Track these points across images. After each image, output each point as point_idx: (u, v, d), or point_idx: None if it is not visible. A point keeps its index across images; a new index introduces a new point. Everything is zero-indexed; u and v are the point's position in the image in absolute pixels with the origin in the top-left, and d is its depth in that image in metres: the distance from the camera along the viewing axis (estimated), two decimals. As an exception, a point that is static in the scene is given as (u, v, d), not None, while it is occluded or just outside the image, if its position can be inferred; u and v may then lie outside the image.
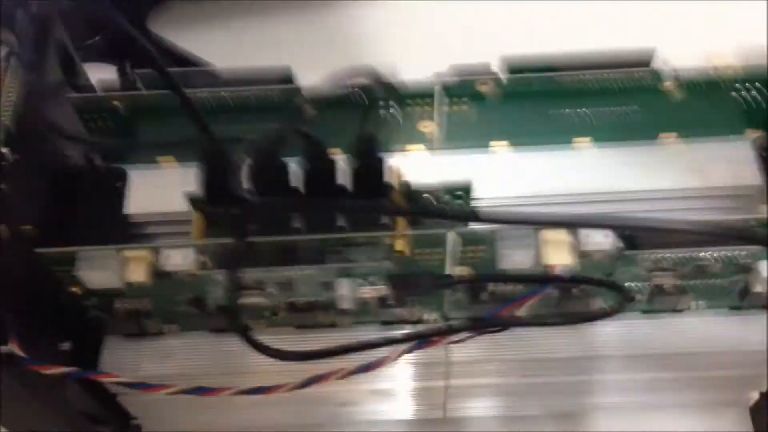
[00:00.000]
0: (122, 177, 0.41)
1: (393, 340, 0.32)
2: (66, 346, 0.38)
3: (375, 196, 0.34)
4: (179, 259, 0.33)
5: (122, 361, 0.39)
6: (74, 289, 0.36)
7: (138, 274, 0.33)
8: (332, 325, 0.39)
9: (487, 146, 0.41)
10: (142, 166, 0.41)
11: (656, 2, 0.59)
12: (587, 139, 0.41)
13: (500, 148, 0.41)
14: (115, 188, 0.40)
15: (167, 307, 0.38)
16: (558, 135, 0.41)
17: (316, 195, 0.32)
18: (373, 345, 0.32)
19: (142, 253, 0.33)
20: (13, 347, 0.33)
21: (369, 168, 0.32)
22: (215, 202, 0.34)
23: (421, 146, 0.41)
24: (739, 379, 0.43)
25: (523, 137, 0.41)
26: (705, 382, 0.42)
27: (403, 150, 0.40)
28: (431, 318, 0.39)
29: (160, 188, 0.41)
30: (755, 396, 0.45)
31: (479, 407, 0.44)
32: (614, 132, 0.40)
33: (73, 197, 0.39)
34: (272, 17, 0.63)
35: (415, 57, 0.55)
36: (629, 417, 0.46)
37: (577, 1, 0.59)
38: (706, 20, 0.57)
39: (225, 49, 0.61)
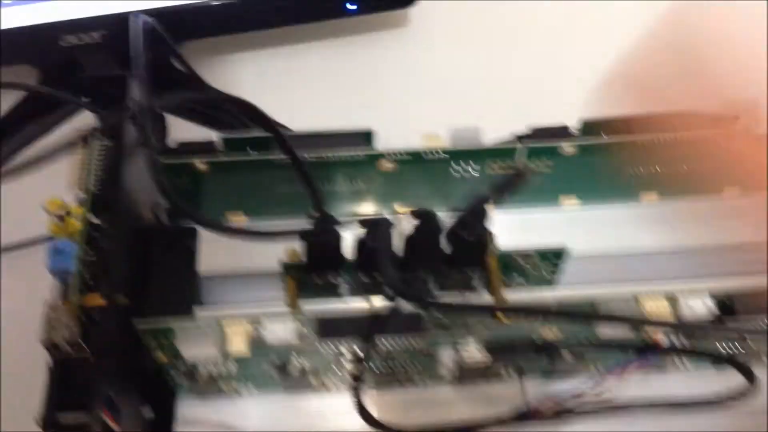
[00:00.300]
0: (193, 235, 0.40)
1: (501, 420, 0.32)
2: (147, 411, 0.37)
3: (474, 263, 0.34)
4: (282, 332, 0.33)
5: (199, 422, 0.39)
6: (163, 358, 0.35)
7: (238, 345, 0.33)
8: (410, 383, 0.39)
9: (556, 201, 0.42)
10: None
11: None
12: (654, 194, 0.42)
13: (570, 203, 0.42)
14: (187, 248, 0.40)
15: (251, 371, 0.37)
16: (627, 189, 0.42)
17: (424, 259, 0.32)
18: (482, 425, 0.32)
19: (243, 326, 0.33)
20: (106, 418, 0.32)
21: (475, 239, 0.32)
22: (316, 270, 0.34)
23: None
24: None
25: (592, 193, 0.42)
26: None
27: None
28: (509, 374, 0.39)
29: (229, 246, 0.41)
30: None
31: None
32: (680, 187, 0.41)
33: (146, 257, 0.39)
34: (293, 50, 0.63)
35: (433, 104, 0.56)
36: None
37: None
38: None
39: (252, 83, 0.60)
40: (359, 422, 0.38)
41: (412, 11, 0.59)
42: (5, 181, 0.49)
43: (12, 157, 0.55)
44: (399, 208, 0.41)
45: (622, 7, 0.61)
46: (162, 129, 0.55)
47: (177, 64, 0.51)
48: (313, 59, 0.61)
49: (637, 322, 0.30)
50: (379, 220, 0.30)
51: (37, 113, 0.56)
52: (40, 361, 0.33)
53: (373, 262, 0.31)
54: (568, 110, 0.40)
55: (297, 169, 0.30)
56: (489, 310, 0.31)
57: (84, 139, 0.36)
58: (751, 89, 0.41)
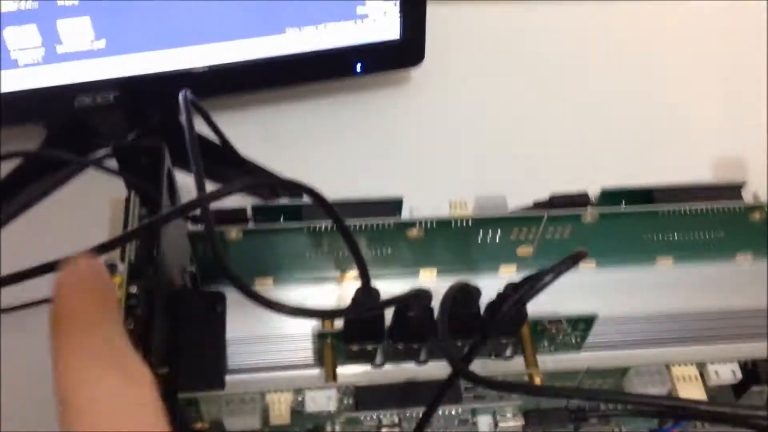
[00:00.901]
0: (222, 300, 0.41)
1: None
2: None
3: (512, 333, 0.35)
4: (324, 401, 0.33)
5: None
6: (199, 426, 0.36)
7: (282, 417, 0.33)
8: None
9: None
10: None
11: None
12: (670, 258, 0.43)
13: (587, 267, 0.43)
14: (216, 312, 0.40)
15: (284, 435, 0.38)
16: (643, 254, 0.43)
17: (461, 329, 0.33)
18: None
19: (286, 396, 0.33)
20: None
21: (518, 311, 0.33)
22: (355, 341, 0.34)
23: (513, 267, 0.43)
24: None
25: (610, 257, 0.43)
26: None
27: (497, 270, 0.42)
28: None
29: (257, 310, 0.41)
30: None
31: None
32: (696, 252, 0.43)
33: (177, 322, 0.39)
34: (302, 108, 0.64)
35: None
36: None
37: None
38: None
39: (258, 138, 0.61)
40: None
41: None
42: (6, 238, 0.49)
43: (14, 218, 0.55)
44: (425, 272, 0.41)
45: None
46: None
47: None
48: (318, 117, 0.63)
49: (670, 403, 0.31)
50: (423, 293, 0.31)
51: (38, 174, 0.57)
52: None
53: (415, 332, 0.32)
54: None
55: (348, 244, 0.31)
56: (532, 391, 0.32)
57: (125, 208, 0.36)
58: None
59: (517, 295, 0.30)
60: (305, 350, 0.39)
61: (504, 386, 0.31)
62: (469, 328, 0.33)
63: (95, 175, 0.40)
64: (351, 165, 0.58)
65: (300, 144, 0.61)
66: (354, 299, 0.33)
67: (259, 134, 0.61)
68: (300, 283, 0.42)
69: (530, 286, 0.30)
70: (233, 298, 0.41)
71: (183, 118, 0.34)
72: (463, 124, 0.61)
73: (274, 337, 0.40)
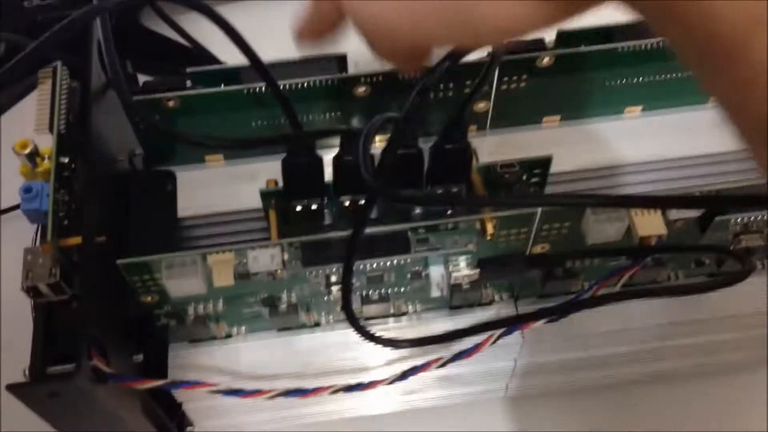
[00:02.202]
0: (172, 179, 0.39)
1: (494, 323, 0.31)
2: (139, 357, 0.36)
3: (459, 179, 0.34)
4: (267, 259, 0.32)
5: (191, 368, 0.38)
6: (148, 299, 0.35)
7: (225, 278, 0.32)
8: (402, 314, 0.39)
9: (539, 122, 0.41)
10: (188, 166, 0.40)
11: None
12: (639, 107, 0.41)
13: (551, 123, 0.41)
14: (166, 191, 0.39)
15: (239, 309, 0.37)
16: (610, 105, 0.41)
17: (407, 182, 0.32)
18: (474, 330, 0.31)
19: (228, 257, 0.32)
20: (98, 363, 0.31)
21: (457, 152, 0.32)
22: (297, 197, 0.33)
23: (474, 127, 0.41)
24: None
25: (574, 110, 0.41)
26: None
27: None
28: (501, 298, 0.39)
29: (208, 188, 0.40)
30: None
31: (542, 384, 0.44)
32: (666, 98, 0.40)
33: (125, 203, 0.38)
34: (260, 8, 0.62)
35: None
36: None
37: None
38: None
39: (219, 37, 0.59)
40: (351, 356, 0.38)
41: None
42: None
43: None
44: (378, 137, 0.40)
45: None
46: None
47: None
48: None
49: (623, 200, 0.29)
50: (354, 131, 0.29)
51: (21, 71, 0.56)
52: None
53: (352, 179, 0.31)
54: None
55: (272, 90, 0.29)
56: (460, 203, 0.31)
57: (52, 81, 0.35)
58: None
59: (446, 125, 0.28)
60: (258, 224, 0.38)
61: (424, 200, 0.29)
62: (412, 168, 0.31)
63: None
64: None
65: (264, 31, 0.59)
66: (289, 150, 0.32)
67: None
68: (252, 158, 0.40)
69: (458, 115, 0.28)
70: (183, 177, 0.40)
71: None
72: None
73: (227, 213, 0.39)
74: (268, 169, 0.39)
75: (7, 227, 0.50)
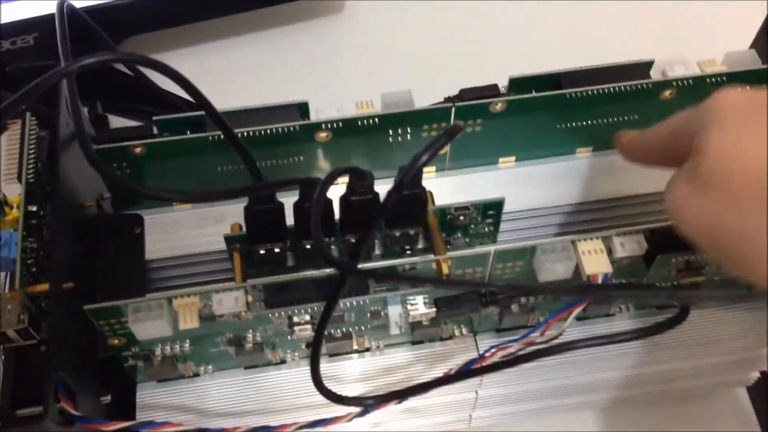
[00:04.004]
0: (140, 223, 0.40)
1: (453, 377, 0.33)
2: (107, 398, 0.37)
3: (416, 222, 0.35)
4: (231, 302, 0.33)
5: (159, 407, 0.39)
6: (115, 341, 0.36)
7: (191, 321, 0.33)
8: (366, 350, 0.40)
9: (495, 162, 0.43)
10: (154, 210, 0.41)
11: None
12: (589, 149, 0.43)
13: (507, 163, 0.43)
14: (134, 234, 0.40)
15: (205, 349, 0.38)
16: (561, 146, 0.43)
17: (361, 226, 0.33)
18: (435, 384, 0.33)
19: (193, 300, 0.33)
20: (65, 406, 0.32)
21: (413, 197, 0.33)
22: (260, 241, 0.34)
23: (432, 168, 0.43)
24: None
25: (529, 152, 0.43)
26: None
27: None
28: (461, 333, 0.40)
29: (175, 231, 0.41)
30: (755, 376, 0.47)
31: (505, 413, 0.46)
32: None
33: (93, 246, 0.39)
34: (240, 41, 0.63)
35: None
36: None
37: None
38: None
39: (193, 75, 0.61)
40: (315, 392, 0.39)
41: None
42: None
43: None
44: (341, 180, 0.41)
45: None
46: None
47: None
48: (251, 49, 0.62)
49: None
50: (313, 180, 0.31)
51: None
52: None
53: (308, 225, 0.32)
54: (498, 71, 0.41)
55: (229, 139, 0.31)
56: (418, 282, 0.32)
57: (21, 132, 0.36)
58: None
59: (398, 177, 0.29)
60: (224, 266, 0.39)
61: (394, 278, 0.31)
62: (369, 216, 0.33)
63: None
64: (279, 91, 0.58)
65: (233, 76, 0.61)
66: (250, 198, 0.33)
67: (193, 70, 0.61)
68: (219, 204, 0.41)
69: (409, 167, 0.29)
70: (150, 220, 0.41)
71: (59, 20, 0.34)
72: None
73: (194, 255, 0.40)
74: (234, 211, 0.41)
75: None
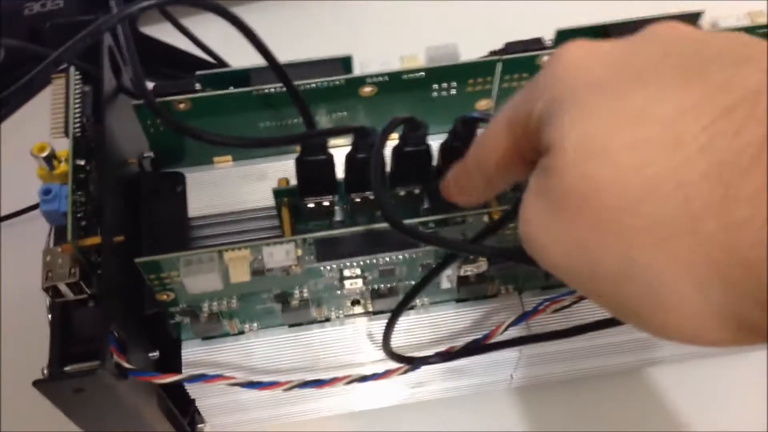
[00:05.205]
0: (181, 180, 0.40)
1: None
2: (155, 354, 0.37)
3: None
4: (282, 255, 0.33)
5: (205, 364, 0.39)
6: (163, 296, 0.35)
7: (242, 274, 0.33)
8: (411, 308, 0.40)
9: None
10: (197, 168, 0.41)
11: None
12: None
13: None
14: (176, 192, 0.40)
15: (251, 306, 0.38)
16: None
17: (413, 178, 0.33)
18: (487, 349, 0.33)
19: (244, 253, 0.33)
20: (119, 359, 0.32)
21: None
22: (309, 193, 0.34)
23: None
24: None
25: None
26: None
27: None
28: (507, 290, 0.40)
29: (217, 188, 0.41)
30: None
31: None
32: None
33: (136, 204, 0.39)
34: (266, 11, 0.63)
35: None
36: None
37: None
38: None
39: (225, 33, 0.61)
40: (359, 350, 0.39)
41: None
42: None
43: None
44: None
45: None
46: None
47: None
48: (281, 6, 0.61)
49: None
50: (367, 130, 0.30)
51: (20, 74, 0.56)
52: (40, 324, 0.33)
53: (364, 177, 0.32)
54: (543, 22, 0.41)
55: (289, 92, 0.30)
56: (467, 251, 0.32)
57: (65, 87, 0.36)
58: None
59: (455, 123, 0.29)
60: (270, 221, 0.39)
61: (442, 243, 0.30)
62: (421, 170, 0.32)
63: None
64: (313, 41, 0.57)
65: (266, 34, 0.60)
66: (303, 148, 0.33)
67: (224, 29, 0.60)
68: (260, 159, 0.41)
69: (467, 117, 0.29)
70: (192, 178, 0.41)
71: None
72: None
73: (237, 212, 0.40)
74: (275, 169, 0.40)
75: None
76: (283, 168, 0.39)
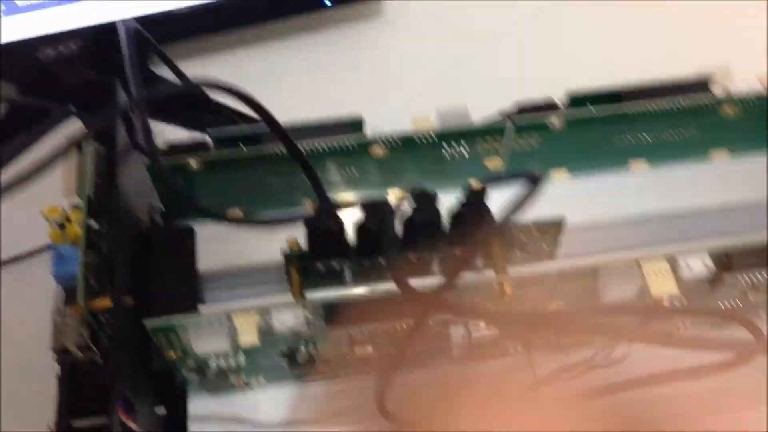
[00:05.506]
0: (191, 234, 0.40)
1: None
2: (161, 410, 0.37)
3: (476, 241, 0.35)
4: (290, 318, 0.33)
5: (212, 418, 0.39)
6: (171, 355, 0.36)
7: (250, 337, 0.33)
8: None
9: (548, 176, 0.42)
10: (206, 221, 0.41)
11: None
12: (643, 161, 0.42)
13: (560, 176, 0.43)
14: (185, 246, 0.40)
15: (259, 362, 0.38)
16: (615, 158, 0.42)
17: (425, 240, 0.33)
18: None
19: (252, 316, 0.33)
20: (125, 420, 0.32)
21: (476, 215, 0.33)
22: (320, 257, 0.34)
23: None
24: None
25: (582, 163, 0.42)
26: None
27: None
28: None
29: (227, 243, 0.41)
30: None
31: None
32: (669, 152, 0.42)
33: (147, 259, 0.39)
34: (271, 48, 0.63)
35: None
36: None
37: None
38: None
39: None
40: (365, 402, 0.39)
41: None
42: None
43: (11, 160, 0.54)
44: (394, 193, 0.41)
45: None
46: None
47: (157, 69, 0.50)
48: (291, 55, 0.61)
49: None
50: (378, 203, 0.31)
51: (21, 126, 0.56)
52: (41, 372, 0.33)
53: (375, 245, 0.32)
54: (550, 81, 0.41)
55: (295, 156, 0.31)
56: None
57: (77, 145, 0.36)
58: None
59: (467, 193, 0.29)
60: (277, 279, 0.39)
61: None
62: (429, 238, 0.33)
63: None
64: (322, 101, 0.57)
65: (270, 84, 0.60)
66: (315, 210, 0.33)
67: (229, 77, 0.61)
68: (270, 210, 0.41)
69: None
70: (202, 232, 0.41)
71: (123, 45, 0.33)
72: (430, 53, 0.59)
73: (246, 267, 0.40)
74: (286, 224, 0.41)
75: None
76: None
